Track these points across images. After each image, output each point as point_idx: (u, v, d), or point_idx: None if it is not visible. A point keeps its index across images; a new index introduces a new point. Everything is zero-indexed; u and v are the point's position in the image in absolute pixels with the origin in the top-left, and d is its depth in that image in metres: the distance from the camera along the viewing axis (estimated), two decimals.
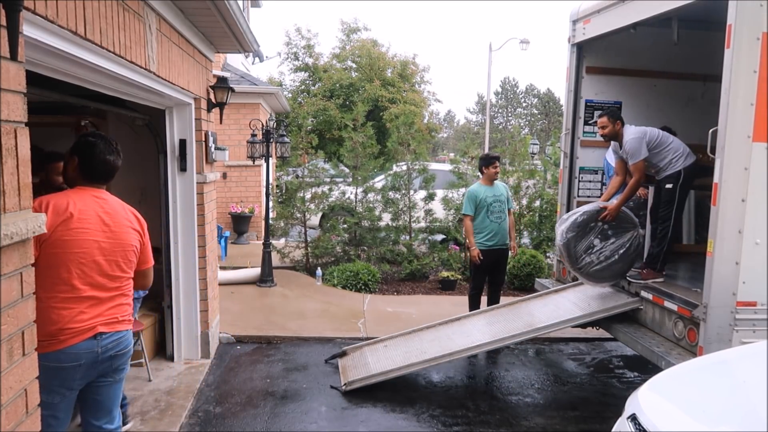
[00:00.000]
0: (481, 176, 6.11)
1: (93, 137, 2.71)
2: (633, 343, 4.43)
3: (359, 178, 9.41)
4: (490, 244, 5.91)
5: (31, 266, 1.96)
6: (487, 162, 6.02)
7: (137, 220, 2.82)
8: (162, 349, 5.31)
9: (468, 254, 6.28)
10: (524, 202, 9.75)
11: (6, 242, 1.73)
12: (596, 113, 5.89)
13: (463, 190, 9.45)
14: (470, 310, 5.94)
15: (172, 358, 5.19)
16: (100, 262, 2.58)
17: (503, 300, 5.99)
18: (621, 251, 4.79)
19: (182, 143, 4.92)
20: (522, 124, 54.19)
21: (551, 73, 79.10)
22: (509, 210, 6.07)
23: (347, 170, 9.95)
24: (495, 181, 6.07)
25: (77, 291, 2.49)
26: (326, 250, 9.02)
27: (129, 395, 4.46)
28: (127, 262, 2.71)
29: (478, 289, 6.11)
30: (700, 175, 4.71)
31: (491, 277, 6.11)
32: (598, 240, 4.81)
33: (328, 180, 9.72)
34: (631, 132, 4.77)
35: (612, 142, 5.00)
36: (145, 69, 3.49)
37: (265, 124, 8.07)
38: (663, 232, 4.71)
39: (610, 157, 5.41)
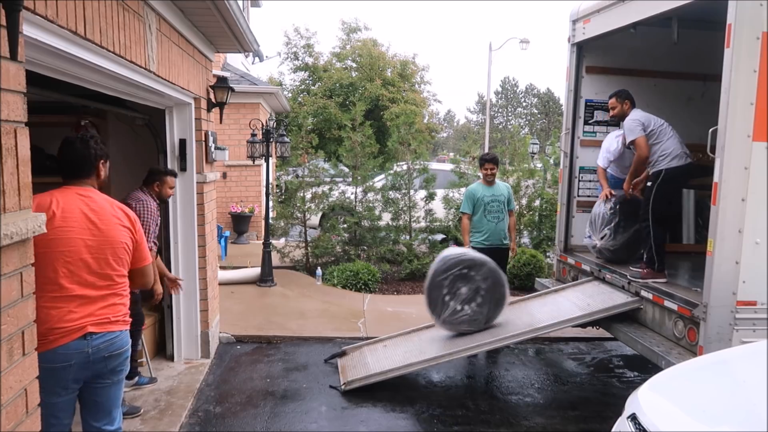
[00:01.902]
0: (480, 176, 6.16)
1: (71, 137, 2.71)
2: (633, 343, 4.43)
3: (359, 177, 9.41)
4: (487, 243, 5.91)
5: (31, 266, 1.96)
6: (480, 163, 6.15)
7: (127, 216, 2.76)
8: (162, 349, 5.31)
9: None
10: (524, 201, 9.76)
11: (6, 242, 1.73)
12: (596, 112, 5.90)
13: (463, 189, 9.46)
14: None
15: (172, 358, 5.19)
16: (87, 260, 2.55)
17: None
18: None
19: (182, 143, 4.92)
20: (522, 124, 54.16)
21: (551, 72, 79.11)
22: (510, 211, 6.07)
23: (347, 170, 9.96)
24: (496, 181, 6.09)
25: (65, 290, 2.47)
26: (326, 250, 9.02)
27: (129, 395, 4.46)
28: (118, 260, 2.67)
29: None
30: (689, 177, 4.69)
31: None
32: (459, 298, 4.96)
33: (328, 180, 9.72)
34: (633, 114, 4.84)
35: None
36: (145, 69, 3.49)
37: (265, 124, 8.07)
38: (645, 231, 4.73)
39: (609, 142, 5.56)
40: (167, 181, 4.45)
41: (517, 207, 9.40)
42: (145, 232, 4.00)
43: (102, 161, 2.75)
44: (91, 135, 2.75)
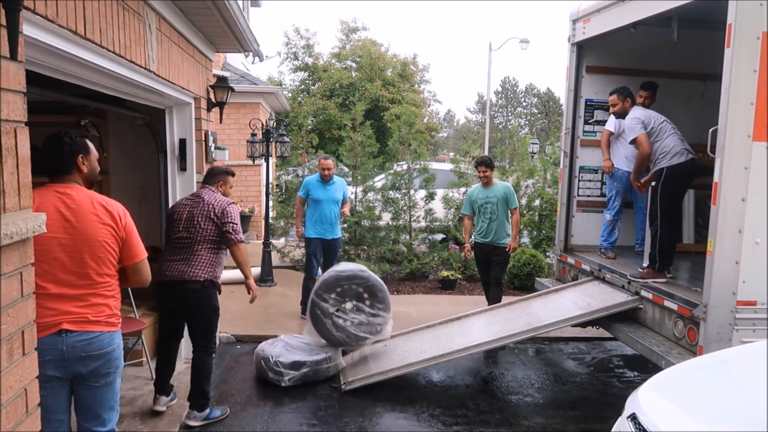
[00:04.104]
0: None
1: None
2: (633, 343, 4.43)
3: (359, 177, 9.42)
4: (480, 240, 6.27)
5: (31, 266, 1.96)
6: (475, 166, 6.51)
7: (109, 213, 2.65)
8: None
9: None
10: (524, 201, 9.76)
11: (6, 242, 1.73)
12: (596, 112, 5.90)
13: (463, 189, 9.49)
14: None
15: None
16: (61, 258, 2.50)
17: (503, 299, 6.00)
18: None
19: (182, 143, 4.92)
20: (522, 124, 54.16)
21: (551, 72, 79.15)
22: (512, 209, 6.16)
23: (347, 169, 9.96)
24: (495, 182, 6.18)
25: (39, 288, 2.38)
26: None
27: (129, 395, 4.46)
28: (97, 259, 2.59)
29: (482, 281, 6.54)
30: (691, 175, 4.68)
31: (487, 271, 6.27)
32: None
33: None
34: (633, 112, 4.85)
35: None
36: (145, 68, 3.49)
37: (265, 124, 8.08)
38: (653, 232, 4.72)
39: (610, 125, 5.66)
40: (229, 181, 4.34)
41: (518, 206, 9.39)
42: (233, 227, 4.01)
43: (81, 156, 2.65)
44: (65, 131, 2.67)
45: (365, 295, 5.07)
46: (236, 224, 4.07)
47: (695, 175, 4.73)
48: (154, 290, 4.00)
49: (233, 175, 4.41)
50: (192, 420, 4.10)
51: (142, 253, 2.81)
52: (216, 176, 4.27)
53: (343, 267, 5.26)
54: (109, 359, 2.67)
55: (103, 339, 2.63)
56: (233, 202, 4.15)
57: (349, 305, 5.06)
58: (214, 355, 4.21)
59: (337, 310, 5.00)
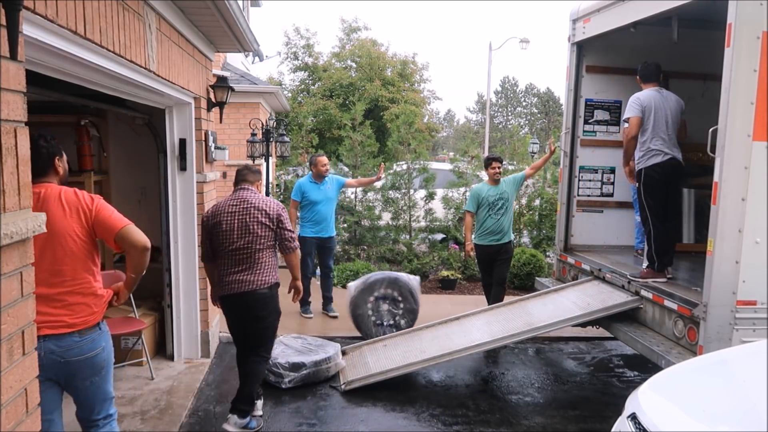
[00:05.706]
0: (483, 177, 6.30)
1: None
2: (633, 342, 4.43)
3: (359, 177, 9.43)
4: (487, 242, 6.11)
5: (31, 266, 1.96)
6: (485, 164, 6.38)
7: (75, 203, 2.61)
8: (162, 349, 5.31)
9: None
10: (524, 201, 9.77)
11: (6, 242, 1.73)
12: (596, 112, 5.90)
13: (463, 189, 9.50)
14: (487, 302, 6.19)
15: (172, 358, 5.19)
16: (35, 257, 2.48)
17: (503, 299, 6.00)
18: None
19: (182, 143, 4.92)
20: (522, 124, 54.15)
21: (551, 72, 79.13)
22: (521, 179, 6.44)
23: (347, 169, 9.98)
24: (500, 180, 6.17)
25: None
26: None
27: (129, 394, 4.47)
28: (70, 253, 2.56)
29: (484, 283, 6.45)
30: (672, 175, 4.65)
31: (491, 272, 6.20)
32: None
33: None
34: (642, 93, 4.73)
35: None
36: (145, 68, 3.49)
37: (265, 124, 8.08)
38: (646, 232, 4.73)
39: None
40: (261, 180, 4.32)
41: (517, 207, 9.39)
42: (291, 235, 4.04)
43: (57, 158, 2.67)
44: (39, 134, 2.64)
45: (397, 296, 5.91)
46: (292, 231, 4.11)
47: (677, 174, 4.68)
48: (222, 305, 4.06)
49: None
50: (231, 426, 3.92)
51: (121, 222, 2.71)
52: (256, 174, 4.18)
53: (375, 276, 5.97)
54: (92, 364, 2.65)
55: (83, 345, 2.60)
56: (283, 207, 4.11)
57: (384, 307, 5.89)
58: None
59: (378, 322, 5.86)
